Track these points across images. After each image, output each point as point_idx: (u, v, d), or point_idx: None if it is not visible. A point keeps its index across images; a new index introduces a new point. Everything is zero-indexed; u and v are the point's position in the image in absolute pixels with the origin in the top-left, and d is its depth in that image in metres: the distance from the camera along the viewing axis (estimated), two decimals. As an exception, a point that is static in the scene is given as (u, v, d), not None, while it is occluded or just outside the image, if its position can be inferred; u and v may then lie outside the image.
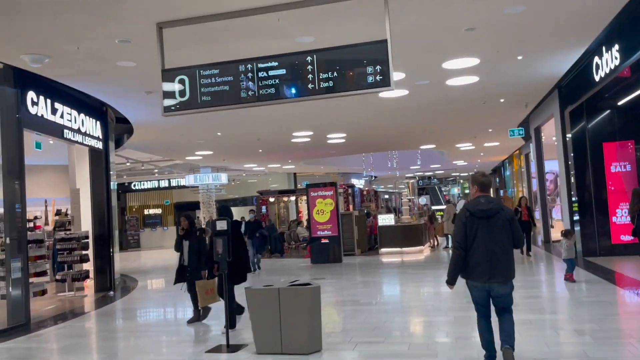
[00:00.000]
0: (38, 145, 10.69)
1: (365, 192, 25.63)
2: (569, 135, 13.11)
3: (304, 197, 18.76)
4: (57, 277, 11.73)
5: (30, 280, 9.48)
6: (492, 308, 4.92)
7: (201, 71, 6.38)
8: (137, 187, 33.62)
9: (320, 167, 28.91)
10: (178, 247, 8.13)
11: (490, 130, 18.00)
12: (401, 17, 6.86)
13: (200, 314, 7.96)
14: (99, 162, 12.43)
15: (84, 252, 11.77)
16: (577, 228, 12.64)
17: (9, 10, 6.09)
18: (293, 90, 6.17)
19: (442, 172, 38.00)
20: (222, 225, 6.33)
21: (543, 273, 11.56)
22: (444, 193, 50.72)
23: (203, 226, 18.10)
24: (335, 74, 6.01)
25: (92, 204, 12.34)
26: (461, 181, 49.01)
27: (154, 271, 17.29)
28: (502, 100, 13.00)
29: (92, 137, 11.77)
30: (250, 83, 6.25)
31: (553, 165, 16.53)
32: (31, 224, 15.28)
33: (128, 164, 22.55)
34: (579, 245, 12.35)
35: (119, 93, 10.39)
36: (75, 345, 7.25)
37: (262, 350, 5.95)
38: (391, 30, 5.84)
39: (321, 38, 7.24)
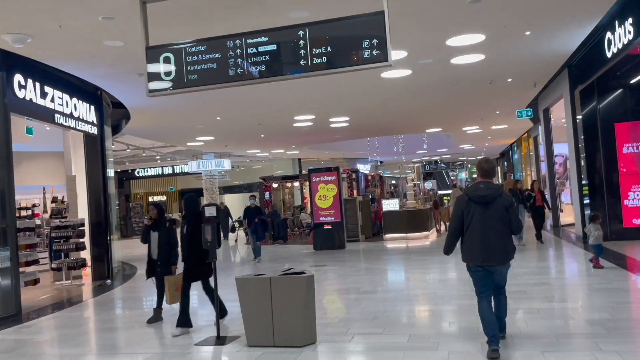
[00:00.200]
0: (29, 131, 10.36)
1: (370, 177, 25.21)
2: (579, 116, 12.64)
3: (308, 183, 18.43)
4: (53, 265, 11.49)
5: (22, 269, 9.23)
6: None
7: (187, 48, 6.00)
8: (141, 174, 33.49)
9: (325, 152, 28.52)
10: (145, 239, 7.42)
11: (497, 112, 17.51)
12: (400, -11, 6.46)
13: (161, 313, 7.30)
14: (95, 148, 12.12)
15: (80, 240, 11.51)
16: (587, 212, 12.23)
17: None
18: (285, 67, 5.80)
19: (449, 156, 37.43)
20: (210, 211, 5.98)
21: (552, 259, 11.18)
22: (452, 178, 50.20)
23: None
24: (329, 49, 5.62)
25: (87, 191, 12.08)
26: (469, 166, 48.38)
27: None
28: (509, 80, 12.51)
29: (86, 122, 11.45)
30: (239, 60, 5.87)
31: (562, 148, 16.08)
32: (29, 212, 15.13)
33: (129, 150, 22.27)
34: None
35: (111, 76, 10.04)
36: (64, 337, 7.01)
37: (253, 342, 5.65)
38: (390, 4, 5.45)
39: (317, 14, 6.81)
